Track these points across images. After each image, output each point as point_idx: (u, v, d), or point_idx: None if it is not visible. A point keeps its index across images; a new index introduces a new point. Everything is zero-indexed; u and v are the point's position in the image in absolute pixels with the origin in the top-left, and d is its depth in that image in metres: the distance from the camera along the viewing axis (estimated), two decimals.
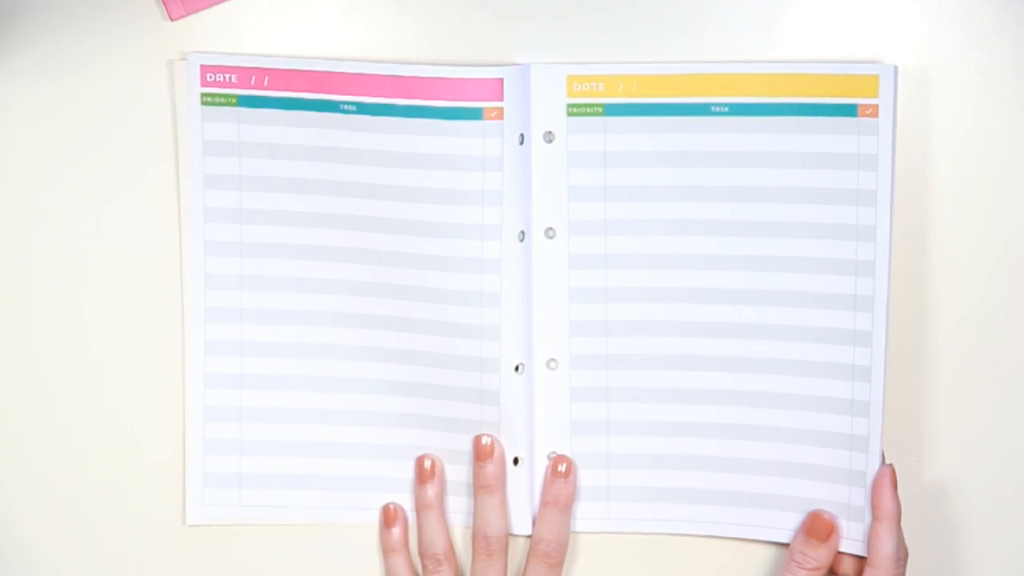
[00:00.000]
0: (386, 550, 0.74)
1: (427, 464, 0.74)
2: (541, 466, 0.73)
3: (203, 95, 0.73)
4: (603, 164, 0.72)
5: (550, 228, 0.73)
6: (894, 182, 0.71)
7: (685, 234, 0.72)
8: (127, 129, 0.74)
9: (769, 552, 0.74)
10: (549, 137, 0.72)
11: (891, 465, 0.71)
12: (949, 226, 0.73)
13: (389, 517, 0.74)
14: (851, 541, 0.71)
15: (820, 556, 0.71)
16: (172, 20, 0.74)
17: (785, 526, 0.73)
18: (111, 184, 0.74)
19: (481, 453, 0.73)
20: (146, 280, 0.75)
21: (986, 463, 0.74)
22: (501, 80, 0.73)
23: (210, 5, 0.74)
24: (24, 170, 0.74)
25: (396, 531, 0.74)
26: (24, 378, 0.75)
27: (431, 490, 0.74)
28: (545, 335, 0.73)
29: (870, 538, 0.70)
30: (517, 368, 0.73)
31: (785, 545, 0.73)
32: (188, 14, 0.74)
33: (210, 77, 0.73)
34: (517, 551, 0.74)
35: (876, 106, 0.71)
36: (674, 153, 0.72)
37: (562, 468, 0.73)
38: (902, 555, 0.70)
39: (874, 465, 0.71)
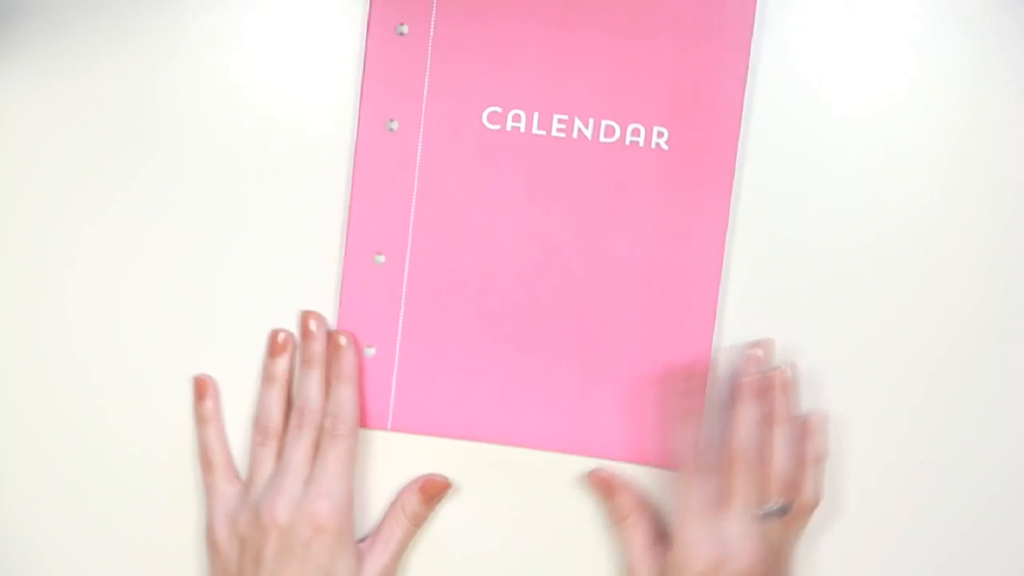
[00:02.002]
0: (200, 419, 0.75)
1: (280, 338, 0.74)
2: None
3: None
4: None
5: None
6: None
7: None
8: (127, 129, 0.74)
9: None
10: None
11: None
12: (947, 233, 0.73)
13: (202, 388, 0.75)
14: None
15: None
16: None
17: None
18: (111, 183, 0.75)
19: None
20: (133, 277, 0.75)
21: (984, 467, 0.74)
22: None
23: None
24: (24, 170, 0.75)
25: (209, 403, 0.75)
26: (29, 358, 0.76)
27: (281, 363, 0.74)
28: None
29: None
30: None
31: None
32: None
33: None
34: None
35: None
36: None
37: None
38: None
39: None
